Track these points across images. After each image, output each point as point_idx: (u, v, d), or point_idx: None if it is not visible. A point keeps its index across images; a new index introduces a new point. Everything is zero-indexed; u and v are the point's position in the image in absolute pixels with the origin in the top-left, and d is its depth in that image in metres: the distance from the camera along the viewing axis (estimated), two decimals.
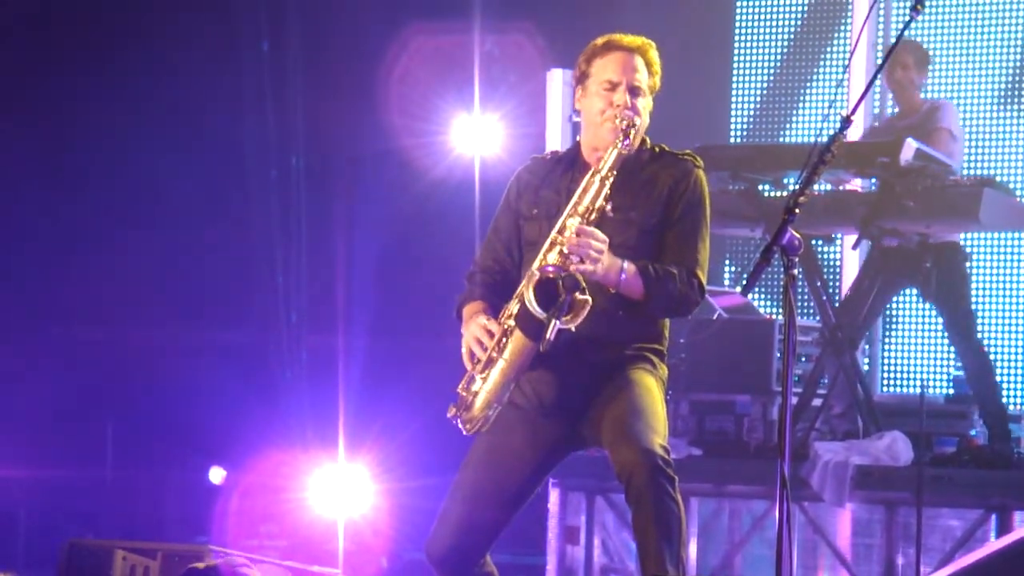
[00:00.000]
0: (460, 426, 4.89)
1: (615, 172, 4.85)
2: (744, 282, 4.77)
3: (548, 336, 4.68)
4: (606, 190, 4.84)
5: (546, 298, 4.72)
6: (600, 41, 4.99)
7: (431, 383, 8.21)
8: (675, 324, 7.84)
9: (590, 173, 4.87)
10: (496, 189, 5.26)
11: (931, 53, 8.37)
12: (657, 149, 4.98)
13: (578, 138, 5.07)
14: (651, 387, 4.86)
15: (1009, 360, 8.86)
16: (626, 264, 4.77)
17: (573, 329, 4.70)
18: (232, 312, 9.14)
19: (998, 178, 8.19)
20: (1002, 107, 9.16)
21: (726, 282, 9.11)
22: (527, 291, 4.74)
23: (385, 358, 8.92)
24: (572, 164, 5.00)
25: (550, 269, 4.74)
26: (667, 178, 4.90)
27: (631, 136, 4.86)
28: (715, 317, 8.32)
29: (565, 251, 4.76)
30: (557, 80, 8.25)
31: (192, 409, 8.82)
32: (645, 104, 4.93)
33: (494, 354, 4.82)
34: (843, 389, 7.78)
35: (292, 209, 9.22)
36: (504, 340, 4.82)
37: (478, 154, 9.10)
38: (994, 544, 6.88)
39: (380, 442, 8.30)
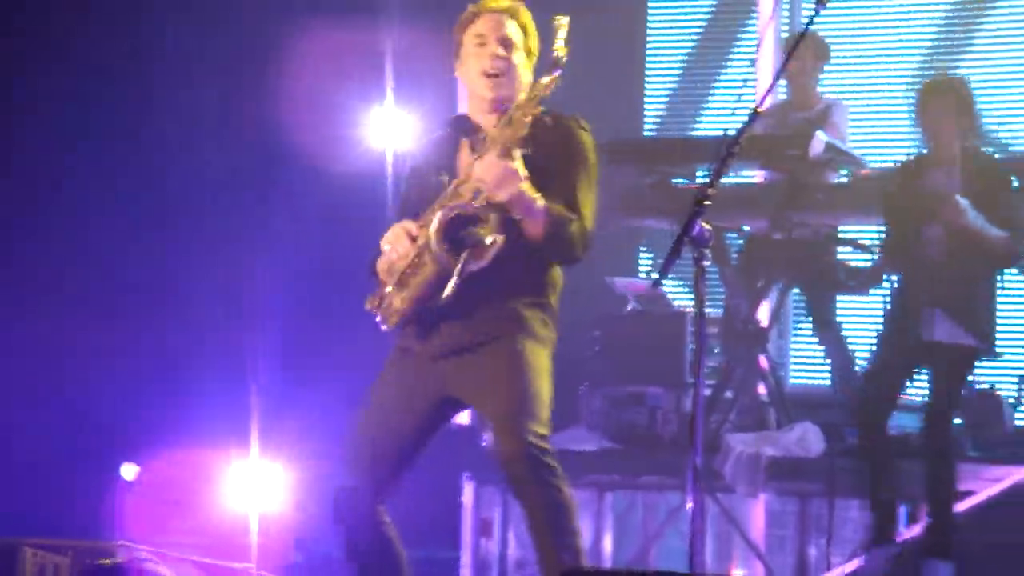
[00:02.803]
0: (379, 321, 4.99)
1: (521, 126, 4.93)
2: (655, 274, 4.78)
3: (455, 281, 4.75)
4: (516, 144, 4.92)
5: (453, 242, 4.80)
6: (469, 9, 5.10)
7: (345, 378, 8.21)
8: (588, 315, 7.92)
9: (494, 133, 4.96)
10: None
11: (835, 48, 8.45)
12: (548, 118, 5.03)
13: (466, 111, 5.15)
14: (536, 362, 4.89)
15: None
16: (537, 196, 4.84)
17: (482, 264, 4.79)
18: (144, 309, 9.06)
19: None
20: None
21: (640, 274, 9.14)
22: (433, 232, 4.81)
23: (299, 353, 8.89)
24: (464, 129, 5.07)
25: (459, 205, 4.82)
26: (554, 139, 4.98)
27: (504, 84, 4.97)
28: (628, 309, 8.35)
29: (476, 183, 4.85)
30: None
31: (103, 405, 8.75)
32: (520, 60, 5.02)
33: (408, 271, 4.90)
34: (746, 381, 7.84)
35: (203, 205, 9.16)
36: (418, 260, 4.89)
37: (390, 148, 9.09)
38: (904, 534, 6.97)
39: (294, 436, 8.26)
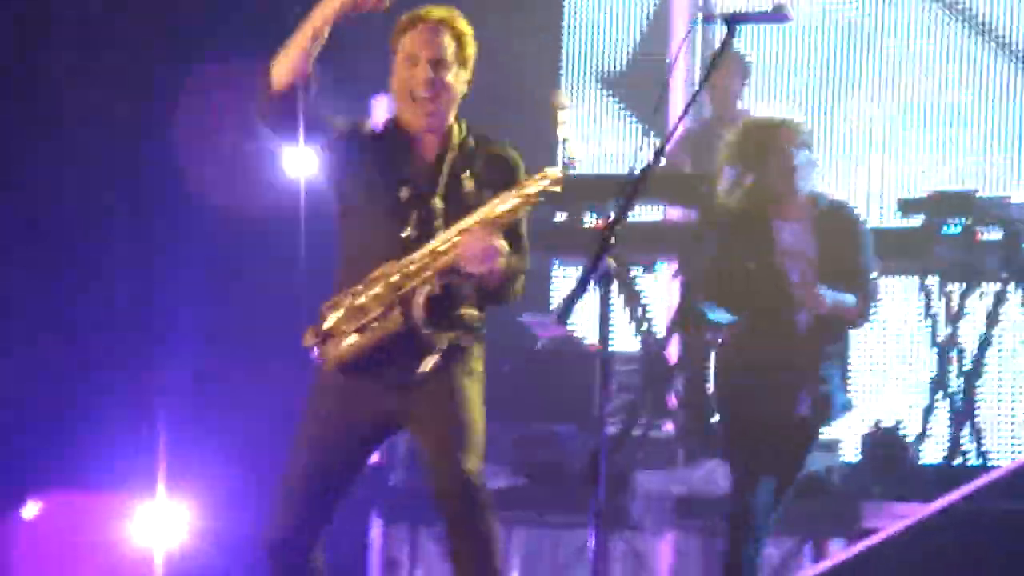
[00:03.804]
0: (316, 359, 4.90)
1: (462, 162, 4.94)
2: (559, 311, 4.78)
3: (431, 364, 4.72)
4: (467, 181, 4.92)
5: (432, 308, 4.78)
6: (405, 17, 5.00)
7: (252, 418, 8.16)
8: (498, 353, 7.90)
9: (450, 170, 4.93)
10: (323, 216, 5.23)
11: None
12: (477, 139, 5.00)
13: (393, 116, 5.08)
14: (474, 398, 4.89)
15: None
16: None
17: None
18: (46, 346, 8.93)
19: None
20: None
21: (551, 312, 9.14)
22: (419, 310, 4.77)
23: (206, 392, 8.81)
24: (392, 142, 5.00)
25: (450, 278, 4.80)
26: (496, 168, 4.94)
27: (436, 107, 4.91)
28: (538, 346, 8.35)
29: (462, 254, 4.79)
30: (382, 107, 8.23)
31: (3, 443, 8.62)
32: (455, 75, 4.94)
33: (373, 320, 4.84)
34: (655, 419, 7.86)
35: (104, 240, 9.05)
36: (387, 312, 4.82)
37: (303, 180, 9.05)
38: (808, 572, 6.98)
39: (200, 476, 8.18)
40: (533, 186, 4.87)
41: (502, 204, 4.85)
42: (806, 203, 6.18)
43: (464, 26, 4.98)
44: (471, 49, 4.99)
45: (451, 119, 4.98)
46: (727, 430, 6.27)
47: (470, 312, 4.88)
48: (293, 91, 4.86)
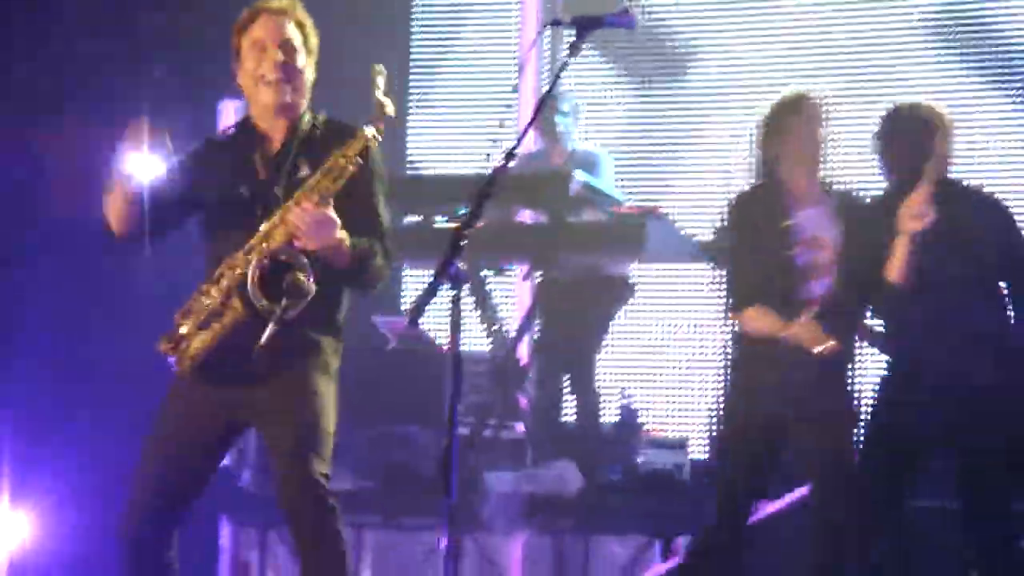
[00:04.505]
0: (173, 363, 4.89)
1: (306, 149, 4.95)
2: (410, 313, 4.78)
3: (267, 335, 4.68)
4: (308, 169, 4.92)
5: (269, 289, 4.74)
6: (245, 13, 5.05)
7: (98, 425, 8.06)
8: (349, 354, 7.88)
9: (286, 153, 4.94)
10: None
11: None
12: (327, 124, 5.02)
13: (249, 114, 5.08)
14: (326, 398, 4.88)
15: (670, 388, 9.05)
16: (344, 236, 4.81)
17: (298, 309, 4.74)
18: None
19: (664, 210, 8.41)
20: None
21: (402, 313, 9.14)
22: (251, 282, 4.74)
23: (48, 400, 8.68)
24: (253, 138, 5.01)
25: (274, 252, 4.76)
26: (337, 150, 4.91)
27: (288, 88, 4.94)
28: (389, 348, 8.34)
29: (291, 229, 4.78)
30: (229, 111, 8.18)
31: None
32: (303, 61, 4.98)
33: (213, 313, 4.82)
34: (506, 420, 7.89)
35: None
36: (226, 302, 4.80)
37: (147, 185, 8.97)
38: (657, 569, 7.05)
39: (42, 485, 8.07)
40: (347, 149, 4.88)
41: (320, 173, 4.87)
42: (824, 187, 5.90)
43: (305, 16, 5.05)
44: (314, 39, 5.05)
45: (303, 107, 5.01)
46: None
47: (300, 280, 4.83)
48: (139, 226, 4.91)
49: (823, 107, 5.87)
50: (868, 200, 6.04)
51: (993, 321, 5.79)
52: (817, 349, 5.65)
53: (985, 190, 6.20)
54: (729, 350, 8.31)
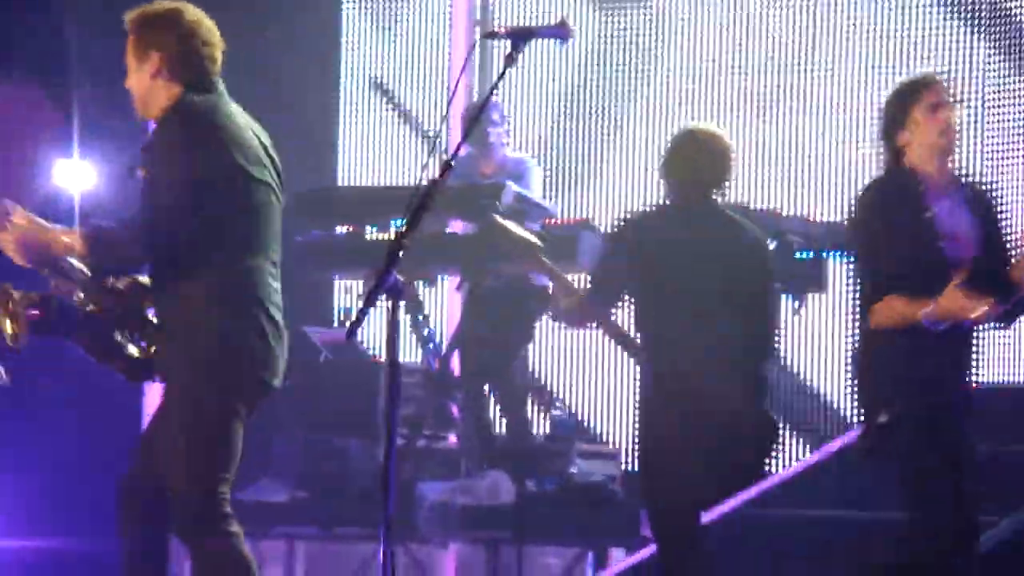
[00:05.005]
0: None
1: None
2: (348, 326, 4.76)
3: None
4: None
5: None
6: None
7: (47, 437, 8.03)
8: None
9: None
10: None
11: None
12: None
13: None
14: (191, 406, 4.76)
15: (602, 399, 9.09)
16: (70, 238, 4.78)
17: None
18: None
19: (594, 221, 8.46)
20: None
21: (334, 324, 9.13)
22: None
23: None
24: None
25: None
26: (152, 136, 4.94)
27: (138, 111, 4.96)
28: (322, 359, 8.33)
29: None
30: None
31: None
32: (134, 81, 4.94)
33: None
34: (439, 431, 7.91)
35: None
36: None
37: (77, 194, 8.99)
38: None
39: None
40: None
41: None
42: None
43: (135, 16, 4.99)
44: (145, 35, 4.95)
45: (155, 114, 4.95)
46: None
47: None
48: None
49: (951, 91, 5.38)
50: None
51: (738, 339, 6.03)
52: (975, 314, 5.12)
53: (749, 214, 6.67)
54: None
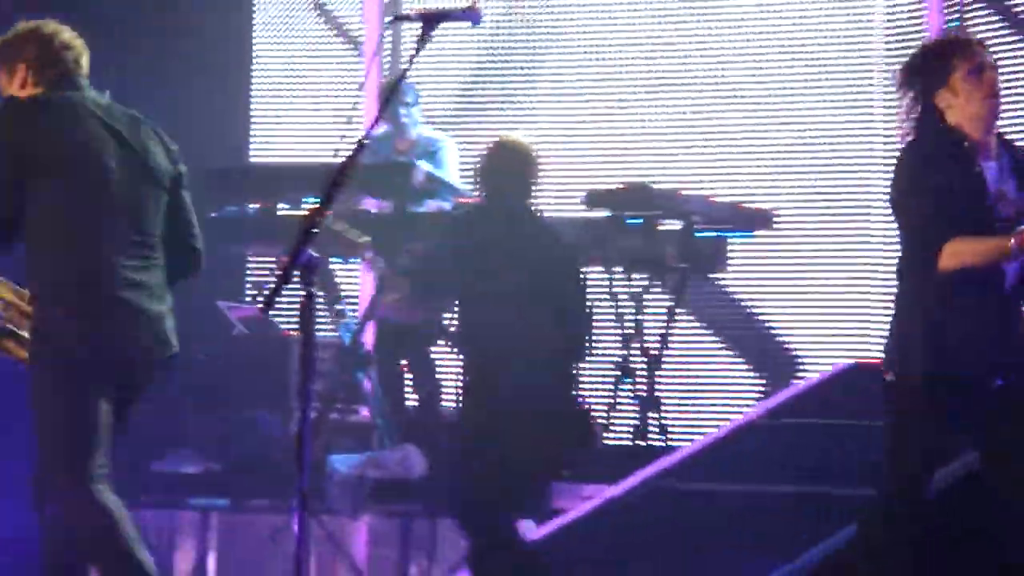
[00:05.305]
0: None
1: None
2: (263, 300, 4.81)
3: None
4: None
5: None
6: None
7: None
8: (194, 340, 7.93)
9: None
10: None
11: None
12: None
13: None
14: (43, 392, 4.98)
15: None
16: None
17: None
18: None
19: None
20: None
21: (247, 299, 9.16)
22: None
23: None
24: None
25: None
26: None
27: None
28: (235, 333, 8.37)
29: None
30: None
31: None
32: (5, 93, 5.25)
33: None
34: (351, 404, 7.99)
35: None
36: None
37: None
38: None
39: None
40: None
41: None
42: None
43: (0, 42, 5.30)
44: (10, 53, 5.25)
45: None
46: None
47: None
48: None
49: (988, 51, 5.16)
50: None
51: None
52: None
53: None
54: None
